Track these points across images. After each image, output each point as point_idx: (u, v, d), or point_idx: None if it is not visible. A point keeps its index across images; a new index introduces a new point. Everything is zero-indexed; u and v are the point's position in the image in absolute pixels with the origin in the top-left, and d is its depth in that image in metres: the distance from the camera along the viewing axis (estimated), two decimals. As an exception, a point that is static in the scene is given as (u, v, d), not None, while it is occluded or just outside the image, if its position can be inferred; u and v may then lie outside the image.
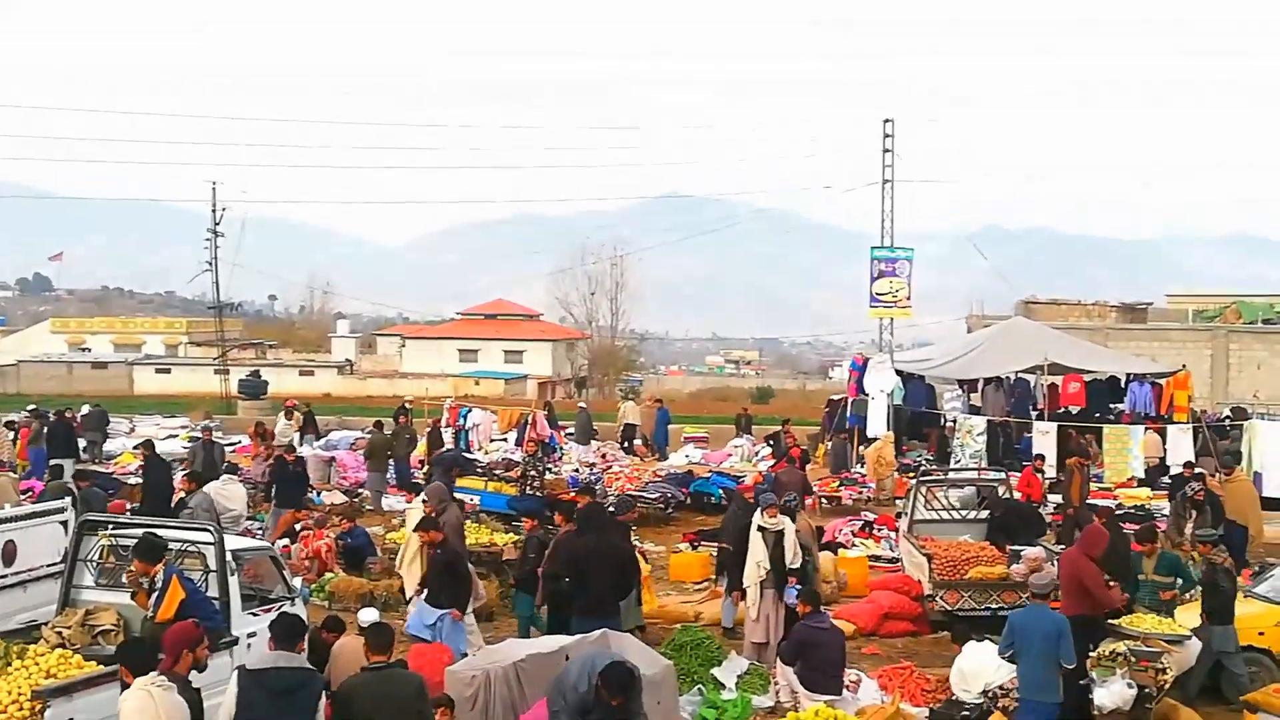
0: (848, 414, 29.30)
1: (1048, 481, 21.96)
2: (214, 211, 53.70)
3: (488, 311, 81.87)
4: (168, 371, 70.10)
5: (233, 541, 11.45)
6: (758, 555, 12.90)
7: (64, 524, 12.98)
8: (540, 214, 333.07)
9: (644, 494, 22.75)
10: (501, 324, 79.22)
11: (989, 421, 26.57)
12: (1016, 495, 18.46)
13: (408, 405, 27.74)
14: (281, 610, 10.40)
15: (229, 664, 9.37)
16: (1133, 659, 10.91)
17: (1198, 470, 20.48)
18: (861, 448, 28.82)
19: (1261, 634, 12.57)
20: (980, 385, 29.17)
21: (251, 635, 10.21)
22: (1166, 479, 23.55)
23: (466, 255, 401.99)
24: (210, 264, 54.24)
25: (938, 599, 14.56)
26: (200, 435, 23.92)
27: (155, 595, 9.42)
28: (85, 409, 31.18)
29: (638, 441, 31.79)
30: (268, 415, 35.42)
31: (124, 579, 10.59)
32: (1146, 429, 25.26)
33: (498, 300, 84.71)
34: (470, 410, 28.53)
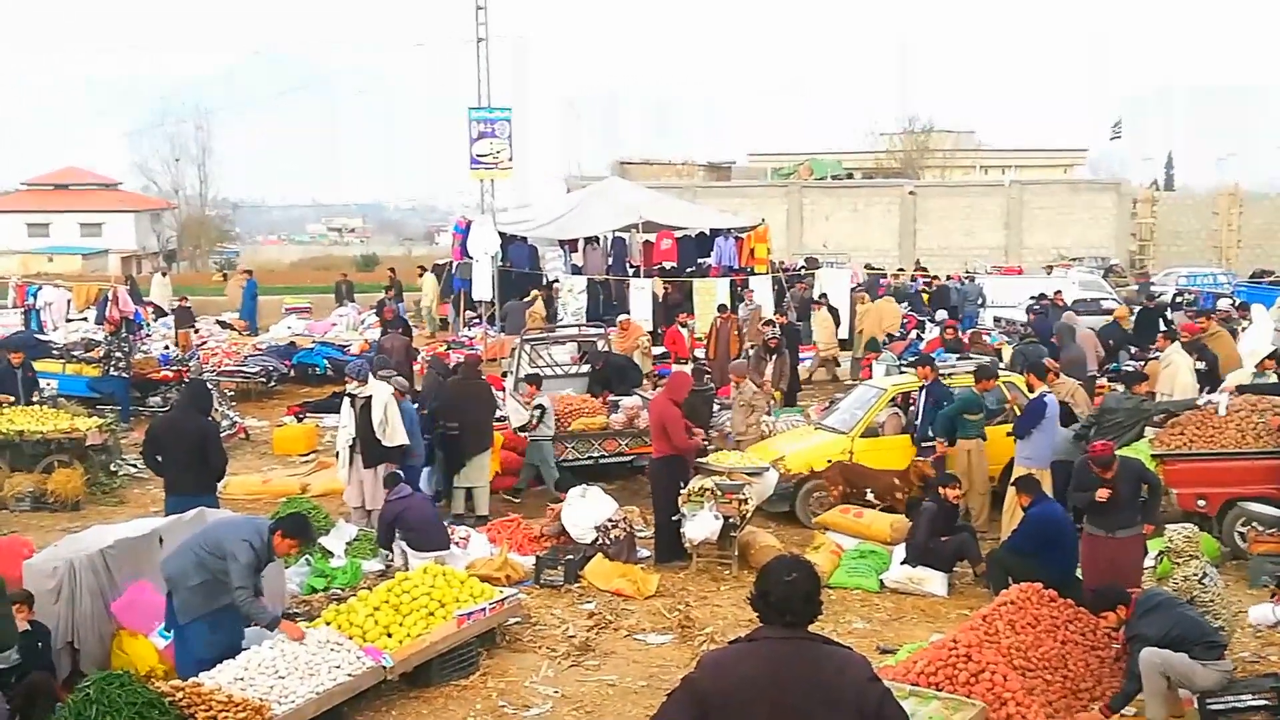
0: (454, 277, 29.30)
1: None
2: None
3: (58, 181, 74.51)
4: None
5: None
6: (344, 421, 12.79)
7: None
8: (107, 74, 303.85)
9: (244, 368, 21.95)
10: (75, 194, 72.52)
11: (589, 280, 27.36)
12: (665, 351, 20.53)
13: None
14: None
15: None
16: (718, 493, 11.75)
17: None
18: (468, 313, 29.00)
19: (829, 461, 13.83)
20: (580, 245, 29.89)
21: None
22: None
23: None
24: None
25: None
26: None
27: None
28: None
29: (233, 315, 30.43)
30: None
31: None
32: (732, 280, 26.93)
33: (69, 168, 76.94)
34: (40, 288, 26.22)
